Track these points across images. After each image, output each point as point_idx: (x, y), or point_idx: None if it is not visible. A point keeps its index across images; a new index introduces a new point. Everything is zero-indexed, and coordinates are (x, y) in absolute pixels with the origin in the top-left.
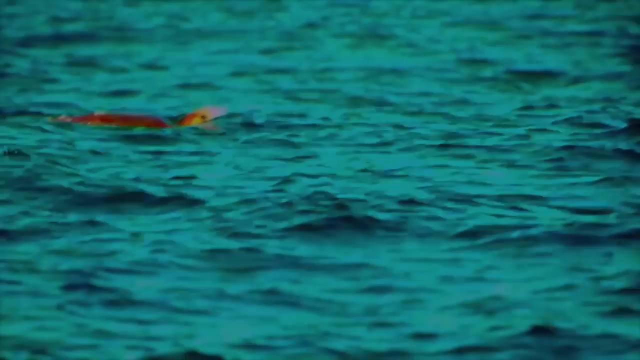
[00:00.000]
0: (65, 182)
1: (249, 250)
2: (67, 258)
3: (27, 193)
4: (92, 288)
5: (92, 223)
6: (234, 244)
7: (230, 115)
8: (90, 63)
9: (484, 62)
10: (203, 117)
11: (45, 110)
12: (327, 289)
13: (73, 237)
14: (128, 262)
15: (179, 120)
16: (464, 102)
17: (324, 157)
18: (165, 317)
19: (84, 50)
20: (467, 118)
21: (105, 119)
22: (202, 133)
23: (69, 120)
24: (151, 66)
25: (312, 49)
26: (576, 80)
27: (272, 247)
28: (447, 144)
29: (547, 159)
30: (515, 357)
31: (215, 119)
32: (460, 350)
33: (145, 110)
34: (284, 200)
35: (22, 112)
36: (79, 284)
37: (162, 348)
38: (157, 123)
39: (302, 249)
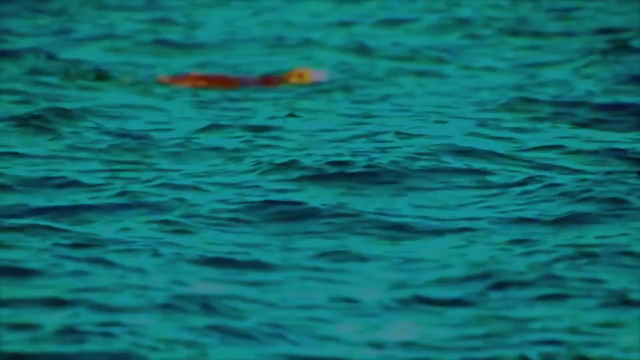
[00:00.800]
0: (136, 137)
1: (310, 207)
2: (126, 210)
3: (97, 146)
4: (153, 245)
5: (158, 176)
6: (296, 198)
7: (321, 76)
8: (169, 19)
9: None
10: (300, 76)
11: (130, 70)
12: (387, 245)
13: (137, 188)
14: (193, 216)
15: (275, 79)
16: (526, 65)
17: (390, 115)
18: (230, 274)
19: (163, 5)
20: (531, 84)
21: (201, 78)
22: (289, 91)
23: (165, 80)
24: (233, 22)
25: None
26: None
27: (327, 203)
28: (509, 105)
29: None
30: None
31: (312, 81)
32: (500, 285)
33: (234, 68)
34: (345, 158)
35: (105, 72)
36: (139, 241)
37: (227, 310)
38: (253, 82)
39: (359, 203)
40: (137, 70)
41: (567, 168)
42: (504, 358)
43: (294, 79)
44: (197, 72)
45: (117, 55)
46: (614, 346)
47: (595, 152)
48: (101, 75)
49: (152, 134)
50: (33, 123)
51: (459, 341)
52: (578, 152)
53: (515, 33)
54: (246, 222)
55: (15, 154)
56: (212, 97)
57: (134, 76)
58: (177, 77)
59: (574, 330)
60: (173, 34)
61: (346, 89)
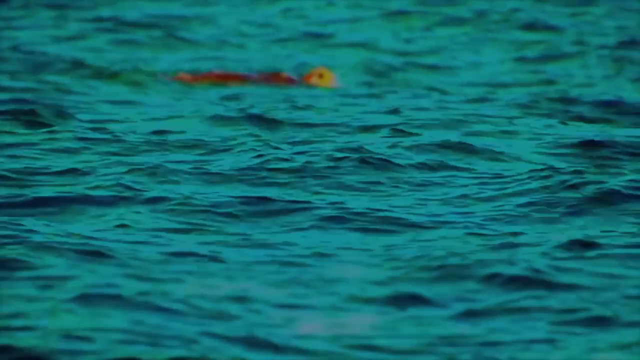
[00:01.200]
0: (136, 132)
1: (307, 202)
2: (123, 203)
3: (97, 139)
4: (150, 240)
5: (157, 170)
6: (294, 193)
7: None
8: (182, 13)
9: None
10: (320, 76)
11: (141, 65)
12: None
13: (135, 181)
14: (190, 211)
15: (294, 78)
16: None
17: (396, 110)
18: (225, 271)
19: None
20: (540, 80)
21: (222, 76)
22: (307, 90)
23: (186, 78)
24: (248, 17)
25: None
26: None
27: (325, 198)
28: (529, 105)
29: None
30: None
31: (332, 84)
32: (498, 280)
33: (249, 64)
34: (345, 153)
35: (116, 67)
36: (135, 236)
37: (218, 308)
38: (274, 80)
39: (358, 198)
40: (149, 66)
41: (570, 164)
42: (496, 358)
43: (314, 80)
44: (217, 70)
45: (128, 50)
46: (610, 343)
47: (600, 148)
48: (110, 70)
49: (153, 128)
50: (34, 118)
51: (454, 339)
52: (582, 148)
53: (526, 28)
54: (243, 217)
55: (15, 145)
56: (220, 94)
57: (145, 72)
58: (197, 75)
59: (571, 327)
60: (186, 29)
61: (355, 83)
